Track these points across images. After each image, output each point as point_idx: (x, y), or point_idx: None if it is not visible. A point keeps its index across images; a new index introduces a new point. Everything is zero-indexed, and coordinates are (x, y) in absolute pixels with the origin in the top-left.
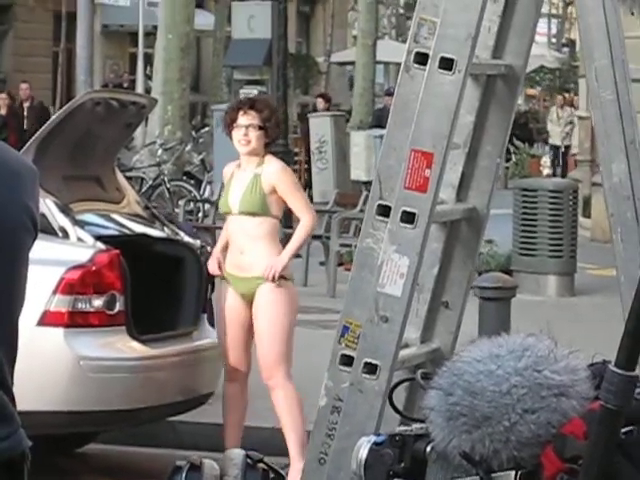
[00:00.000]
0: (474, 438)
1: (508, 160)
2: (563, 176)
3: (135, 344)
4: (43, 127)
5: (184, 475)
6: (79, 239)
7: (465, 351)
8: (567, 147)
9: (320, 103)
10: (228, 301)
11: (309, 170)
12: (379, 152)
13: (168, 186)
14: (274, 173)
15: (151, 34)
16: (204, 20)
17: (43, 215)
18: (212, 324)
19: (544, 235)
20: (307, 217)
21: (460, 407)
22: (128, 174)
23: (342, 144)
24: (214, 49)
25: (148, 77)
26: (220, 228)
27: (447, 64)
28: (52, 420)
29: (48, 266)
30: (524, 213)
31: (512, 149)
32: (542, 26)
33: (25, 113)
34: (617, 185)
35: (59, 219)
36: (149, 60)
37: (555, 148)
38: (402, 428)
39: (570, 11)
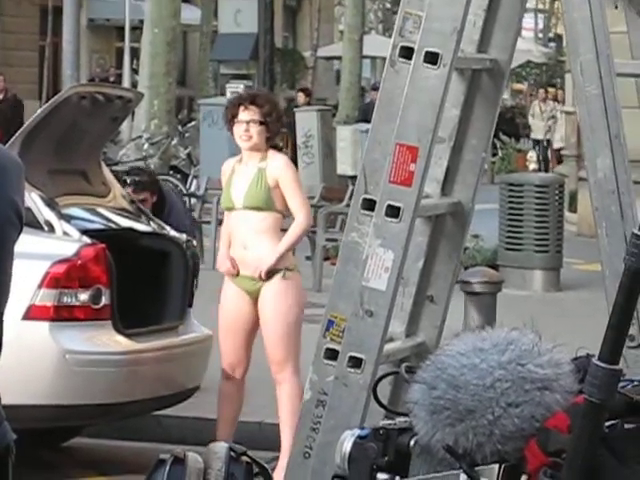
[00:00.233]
0: (458, 432)
1: (494, 155)
2: (545, 170)
3: (121, 338)
4: (29, 121)
5: (167, 468)
6: (65, 233)
7: (449, 345)
8: (548, 141)
9: (300, 97)
10: (232, 299)
11: (295, 164)
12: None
13: None
14: (279, 167)
15: (137, 28)
16: (191, 14)
17: (29, 209)
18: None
19: (530, 230)
20: (302, 215)
21: (444, 401)
22: (114, 168)
23: (328, 139)
24: (201, 43)
25: (134, 71)
26: (206, 222)
27: (432, 58)
28: (37, 414)
29: (34, 260)
30: (510, 208)
31: (498, 144)
32: (529, 21)
33: None
34: (602, 179)
35: (45, 213)
36: (136, 54)
37: (536, 142)
38: (386, 422)
39: (557, 6)
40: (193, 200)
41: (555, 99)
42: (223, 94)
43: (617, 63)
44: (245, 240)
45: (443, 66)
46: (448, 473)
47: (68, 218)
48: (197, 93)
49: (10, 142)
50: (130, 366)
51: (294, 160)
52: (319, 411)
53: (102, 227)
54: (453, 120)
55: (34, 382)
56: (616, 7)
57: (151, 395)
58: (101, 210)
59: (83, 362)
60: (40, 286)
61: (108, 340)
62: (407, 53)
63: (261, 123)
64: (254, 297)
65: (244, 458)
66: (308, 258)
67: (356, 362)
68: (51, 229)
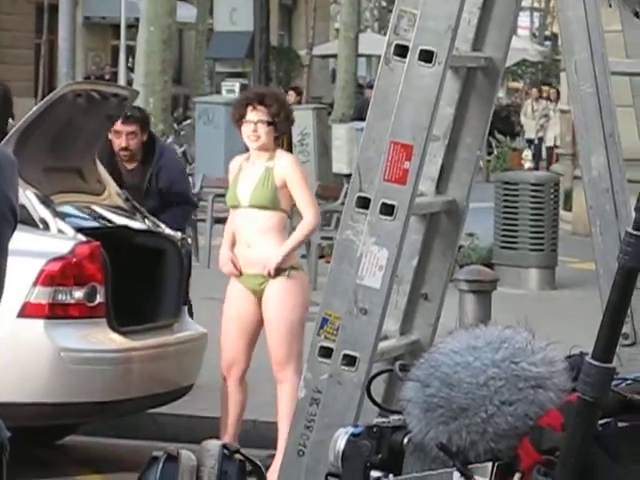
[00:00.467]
0: (451, 429)
1: (490, 153)
2: (536, 168)
3: (115, 336)
4: (24, 118)
5: (161, 466)
6: (60, 231)
7: (443, 343)
8: (540, 139)
9: (291, 96)
10: (236, 298)
11: None
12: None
13: None
14: (286, 166)
15: (133, 26)
16: (186, 12)
17: (24, 207)
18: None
19: (525, 228)
20: (310, 214)
21: (437, 399)
22: None
23: (324, 137)
24: (196, 41)
25: (130, 69)
26: (201, 220)
27: (427, 56)
28: (33, 411)
29: (28, 258)
30: (505, 206)
31: (494, 142)
32: (524, 19)
33: None
34: (596, 178)
35: (40, 211)
36: (131, 52)
37: (529, 141)
38: (380, 420)
39: (552, 5)
40: None
41: (548, 98)
42: (219, 92)
43: (611, 62)
44: (250, 239)
45: (438, 64)
46: (442, 471)
47: (63, 216)
48: (193, 91)
49: (5, 139)
50: (125, 364)
51: None
52: (313, 409)
53: (97, 225)
54: (448, 118)
55: (29, 380)
56: (610, 6)
57: (146, 393)
58: (96, 208)
59: (78, 360)
60: (35, 284)
61: (103, 338)
62: (402, 51)
63: (269, 123)
64: (258, 296)
65: (237, 456)
66: (303, 256)
67: (350, 360)
68: (46, 227)
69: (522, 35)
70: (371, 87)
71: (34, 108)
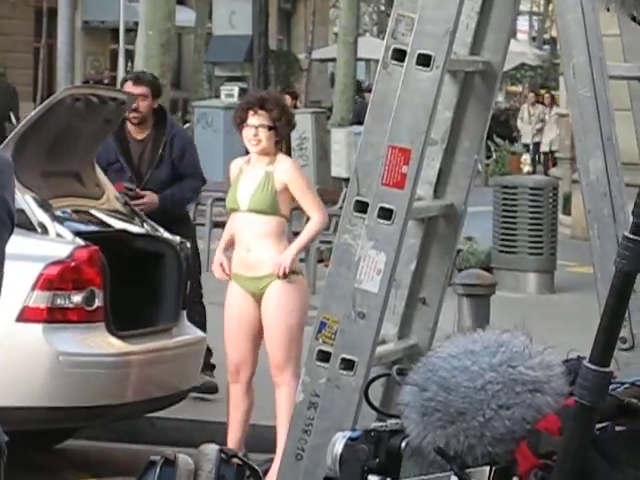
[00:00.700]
0: (449, 434)
1: (488, 157)
2: (532, 172)
3: (114, 340)
4: (22, 122)
5: (158, 470)
6: (58, 235)
7: (440, 347)
8: (536, 144)
9: (287, 100)
10: (237, 304)
11: None
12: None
13: None
14: (287, 171)
15: (132, 30)
16: (185, 16)
17: (22, 211)
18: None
19: (524, 232)
20: (318, 215)
21: (435, 403)
22: None
23: (323, 141)
24: (195, 45)
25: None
26: (200, 224)
27: (425, 60)
28: (31, 416)
29: (27, 262)
30: (504, 210)
31: (492, 146)
32: (523, 23)
33: None
34: (594, 182)
35: (38, 215)
36: (130, 56)
37: (525, 146)
38: (377, 424)
39: (551, 9)
40: None
41: (542, 102)
42: (217, 96)
43: (609, 65)
44: (249, 243)
45: (436, 68)
46: (439, 475)
47: (61, 220)
48: (191, 95)
49: (4, 144)
50: (123, 368)
51: None
52: (311, 413)
53: (96, 229)
54: (446, 122)
55: (28, 384)
56: (608, 10)
57: (144, 397)
58: (95, 212)
59: (76, 364)
60: (33, 288)
61: (102, 342)
62: (400, 55)
63: (270, 128)
64: (258, 299)
65: (235, 460)
66: (302, 260)
67: (348, 364)
68: (44, 231)
69: (521, 39)
70: (369, 91)
71: (33, 112)
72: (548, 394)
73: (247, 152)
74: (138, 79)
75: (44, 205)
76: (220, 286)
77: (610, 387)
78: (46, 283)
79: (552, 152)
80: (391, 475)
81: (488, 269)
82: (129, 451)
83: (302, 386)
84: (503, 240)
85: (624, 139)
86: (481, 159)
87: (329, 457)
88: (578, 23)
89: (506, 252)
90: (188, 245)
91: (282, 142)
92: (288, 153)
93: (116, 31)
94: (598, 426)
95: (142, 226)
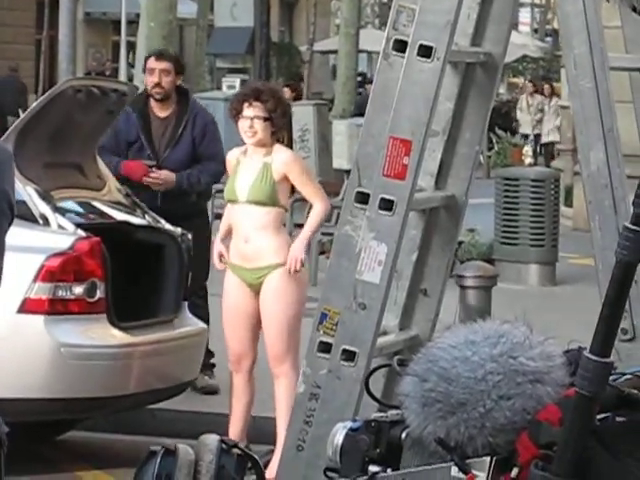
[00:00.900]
0: (449, 424)
1: (490, 149)
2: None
3: (116, 331)
4: (24, 114)
5: (159, 460)
6: (60, 226)
7: (441, 337)
8: (537, 135)
9: (287, 93)
10: (235, 293)
11: None
12: None
13: None
14: (285, 162)
15: (134, 22)
16: (187, 8)
17: (24, 202)
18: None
19: (526, 224)
20: (320, 204)
21: (435, 393)
22: None
23: (324, 133)
24: (197, 37)
25: (131, 65)
26: None
27: (426, 51)
28: (33, 407)
29: (29, 253)
30: (506, 202)
31: (494, 138)
32: (525, 15)
33: None
34: (595, 173)
35: (40, 206)
36: (132, 48)
37: (525, 137)
38: (378, 414)
39: (553, 0)
40: None
41: (542, 93)
42: (219, 88)
43: (611, 57)
44: (247, 234)
45: (437, 59)
46: (440, 466)
47: (63, 211)
48: (193, 87)
49: (5, 135)
50: (125, 359)
51: None
52: (312, 404)
53: (97, 220)
54: (447, 113)
55: (29, 375)
56: (608, 1)
57: (146, 388)
58: (96, 203)
59: (78, 355)
60: (35, 279)
61: (103, 333)
62: (401, 46)
63: (266, 119)
64: (255, 289)
65: (235, 450)
66: None
67: (349, 355)
68: (46, 222)
69: (523, 31)
70: (370, 82)
71: (34, 104)
72: (549, 385)
73: (244, 143)
74: (161, 54)
75: (45, 197)
76: (220, 277)
77: (611, 378)
78: (47, 274)
79: (552, 143)
80: (392, 466)
81: (490, 261)
82: (130, 442)
83: (303, 377)
84: (505, 232)
85: (625, 131)
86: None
87: (330, 448)
88: (579, 14)
89: (508, 244)
90: (189, 237)
91: (279, 133)
92: (290, 145)
93: (118, 23)
94: (599, 417)
95: (143, 217)
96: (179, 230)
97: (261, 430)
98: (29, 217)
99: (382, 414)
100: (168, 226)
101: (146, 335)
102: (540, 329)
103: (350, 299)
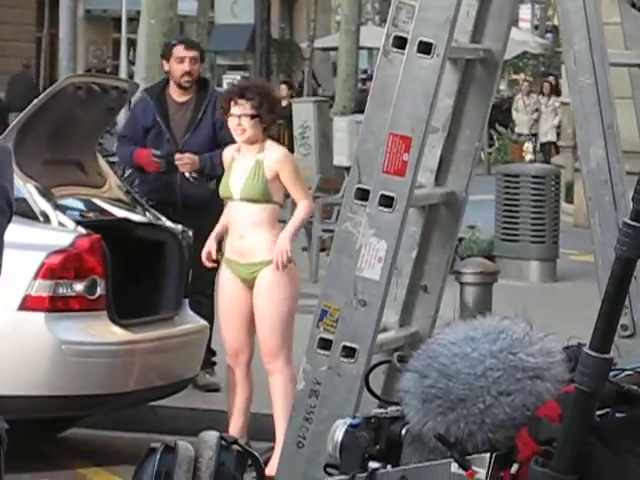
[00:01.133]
0: (449, 420)
1: (491, 146)
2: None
3: (116, 329)
4: (24, 112)
5: (158, 457)
6: (60, 224)
7: (441, 334)
8: (534, 135)
9: (283, 90)
10: (229, 287)
11: None
12: None
13: None
14: (277, 160)
15: (134, 19)
16: (187, 5)
17: (24, 200)
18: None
19: (526, 221)
20: (306, 202)
21: (435, 389)
22: (110, 159)
23: (325, 130)
24: (197, 34)
25: (131, 62)
26: None
27: (426, 48)
28: (33, 404)
29: (29, 251)
30: (506, 199)
31: (495, 135)
32: (525, 12)
33: None
34: (595, 169)
35: (40, 204)
36: (132, 45)
37: (519, 136)
38: (378, 410)
39: None
40: None
41: (542, 91)
42: (220, 85)
43: (610, 53)
44: (242, 230)
45: (436, 56)
46: (439, 462)
47: (63, 209)
48: None
49: (6, 132)
50: (126, 356)
51: (291, 151)
52: (312, 401)
53: (98, 218)
54: (447, 110)
55: (30, 373)
56: None
57: (146, 386)
58: (97, 201)
59: (79, 353)
60: (36, 277)
61: (104, 331)
62: (400, 43)
63: (253, 116)
64: (249, 285)
65: (235, 447)
66: (304, 249)
67: (349, 352)
68: (47, 220)
69: (523, 28)
70: (370, 79)
71: (35, 101)
72: (548, 381)
73: None
74: (190, 42)
75: (46, 194)
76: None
77: (611, 374)
78: (48, 272)
79: (552, 143)
80: (391, 462)
81: (490, 257)
82: (131, 439)
83: (303, 374)
84: (505, 228)
85: (625, 127)
86: (483, 147)
87: (330, 444)
88: (579, 11)
89: (508, 240)
90: (190, 234)
91: (269, 129)
92: (290, 142)
93: (118, 20)
94: (598, 413)
95: (144, 215)
96: (180, 227)
97: (261, 427)
98: (29, 214)
99: (382, 410)
100: (169, 223)
101: (147, 332)
102: (540, 325)
103: (350, 296)
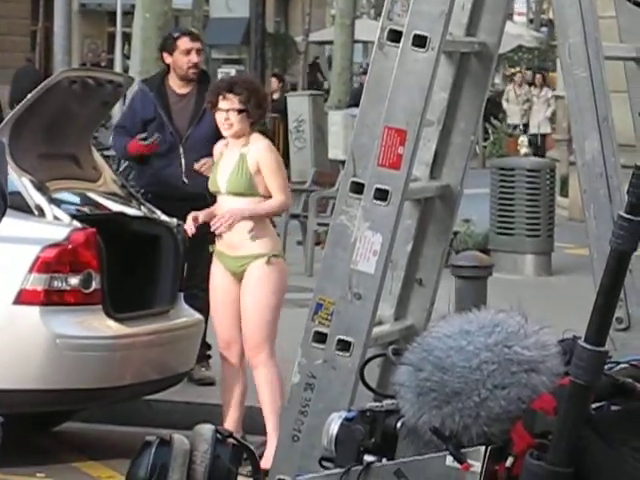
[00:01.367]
0: (444, 413)
1: (486, 139)
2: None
3: (111, 322)
4: (19, 106)
5: (154, 450)
6: (55, 217)
7: (436, 327)
8: (525, 125)
9: (274, 83)
10: (219, 279)
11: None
12: None
13: None
14: (258, 151)
15: (129, 13)
16: None
17: (19, 193)
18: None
19: (521, 214)
20: (281, 198)
21: (430, 383)
22: (105, 153)
23: (320, 123)
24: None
25: (126, 56)
26: None
27: (420, 41)
28: (28, 398)
29: (24, 244)
30: (501, 192)
31: (490, 128)
32: (521, 5)
33: None
34: (590, 162)
35: (35, 197)
36: (127, 39)
37: (513, 128)
38: (373, 404)
39: None
40: None
41: (534, 83)
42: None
43: (605, 46)
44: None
45: (431, 49)
46: (435, 455)
47: (58, 202)
48: None
49: (0, 126)
50: (121, 350)
51: (286, 145)
52: (307, 394)
53: (93, 211)
54: (442, 103)
55: (25, 367)
56: None
57: (142, 379)
58: (92, 194)
59: (74, 346)
60: (31, 270)
61: (99, 324)
62: (395, 36)
63: (240, 111)
64: (238, 277)
65: (230, 440)
66: (299, 243)
67: (345, 345)
68: (41, 214)
69: (518, 21)
70: (365, 73)
71: (29, 95)
72: (543, 374)
73: None
74: (194, 34)
75: (41, 188)
76: None
77: (606, 367)
78: (43, 266)
79: (544, 135)
80: (387, 455)
81: (485, 251)
82: (126, 433)
83: (298, 367)
84: (500, 222)
85: (620, 121)
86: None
87: (325, 437)
88: (574, 4)
89: (503, 234)
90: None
91: (257, 123)
92: (285, 136)
93: (113, 14)
94: (594, 406)
95: (139, 209)
96: (175, 221)
97: (256, 420)
98: (24, 208)
99: (377, 404)
100: (164, 217)
101: (142, 326)
102: (535, 319)
103: (345, 289)
